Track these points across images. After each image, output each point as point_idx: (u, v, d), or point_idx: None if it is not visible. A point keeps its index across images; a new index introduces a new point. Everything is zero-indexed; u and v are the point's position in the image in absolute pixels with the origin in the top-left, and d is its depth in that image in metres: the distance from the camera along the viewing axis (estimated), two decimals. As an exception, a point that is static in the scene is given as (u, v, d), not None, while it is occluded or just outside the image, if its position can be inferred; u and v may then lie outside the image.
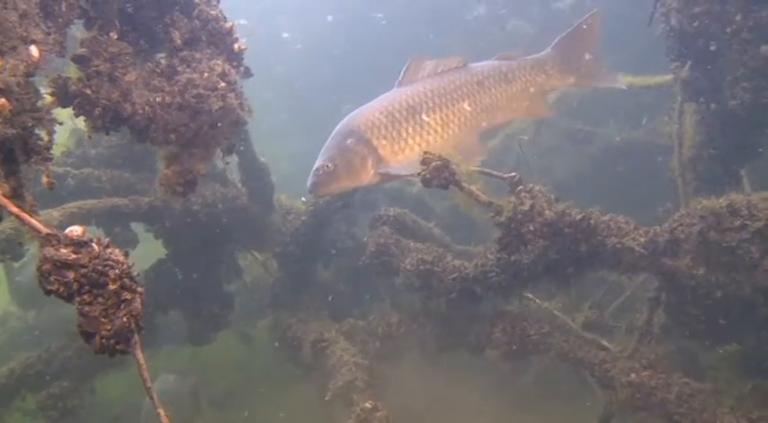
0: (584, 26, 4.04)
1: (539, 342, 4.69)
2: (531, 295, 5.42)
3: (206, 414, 6.33)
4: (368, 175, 3.86)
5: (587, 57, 4.00)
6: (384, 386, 5.08)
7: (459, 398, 5.78)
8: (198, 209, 5.58)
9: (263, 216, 6.30)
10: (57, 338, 5.39)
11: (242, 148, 5.85)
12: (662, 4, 4.50)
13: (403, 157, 3.80)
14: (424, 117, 3.75)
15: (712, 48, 4.31)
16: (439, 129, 3.82)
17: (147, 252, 6.18)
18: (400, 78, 3.98)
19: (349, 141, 3.85)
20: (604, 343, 4.91)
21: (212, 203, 5.70)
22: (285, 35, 12.76)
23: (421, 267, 4.93)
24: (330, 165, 3.90)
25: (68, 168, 5.47)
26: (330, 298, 6.39)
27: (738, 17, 4.10)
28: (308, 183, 3.95)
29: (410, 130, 3.76)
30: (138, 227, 6.03)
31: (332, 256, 6.70)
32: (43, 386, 5.08)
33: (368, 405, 4.22)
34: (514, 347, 4.75)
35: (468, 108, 3.81)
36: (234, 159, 6.14)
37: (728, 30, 4.17)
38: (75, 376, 5.17)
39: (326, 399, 4.63)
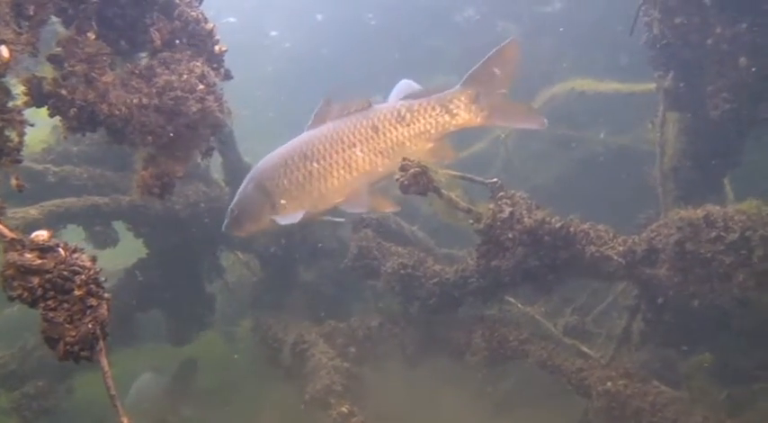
0: (499, 58, 3.75)
1: (517, 348, 4.70)
2: (513, 299, 5.45)
3: (181, 412, 6.29)
4: (265, 222, 3.93)
5: (501, 92, 3.74)
6: (363, 390, 5.07)
7: (439, 402, 5.76)
8: (180, 208, 5.54)
9: (246, 216, 6.26)
10: (32, 336, 5.32)
11: (224, 147, 5.81)
12: (645, 13, 4.52)
13: (296, 204, 3.81)
14: (315, 164, 3.73)
15: (693, 58, 4.33)
16: (328, 176, 3.78)
17: (128, 250, 6.15)
18: (310, 122, 3.96)
19: (250, 187, 3.95)
20: (584, 349, 4.94)
21: (194, 203, 5.67)
22: (273, 33, 12.71)
23: (402, 272, 4.93)
24: (235, 210, 4.08)
25: (48, 165, 5.41)
26: (312, 300, 6.36)
27: (718, 29, 4.13)
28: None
29: (300, 178, 3.76)
30: (119, 224, 5.99)
31: (315, 257, 6.67)
32: (18, 385, 5.02)
33: (344, 410, 4.22)
34: (493, 353, 4.75)
35: (359, 154, 3.73)
36: (217, 159, 6.12)
37: (709, 41, 4.20)
38: (51, 376, 5.12)
39: (302, 406, 4.61)
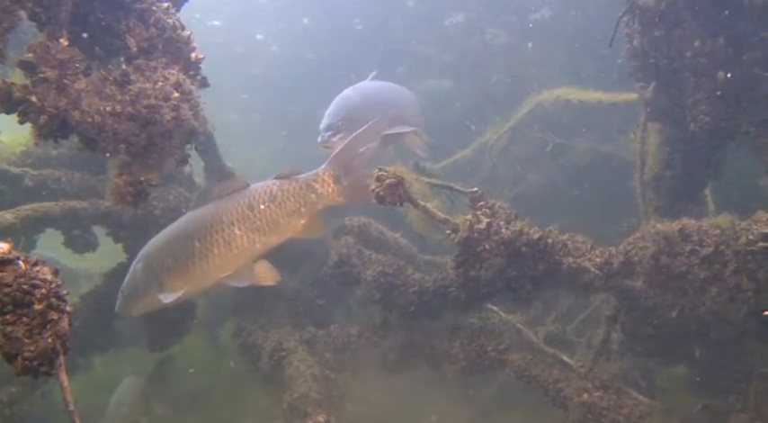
0: (358, 142, 4.06)
1: (496, 358, 4.70)
2: (495, 308, 5.45)
3: (161, 416, 6.26)
4: (154, 301, 4.07)
5: (361, 172, 4.04)
6: (342, 398, 5.05)
7: (419, 410, 5.76)
8: (160, 214, 5.50)
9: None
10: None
11: (205, 151, 5.77)
12: (625, 25, 4.54)
13: (181, 282, 3.96)
14: (196, 243, 3.91)
15: (672, 71, 4.34)
16: (209, 254, 3.95)
17: (108, 254, 6.10)
18: (192, 203, 4.19)
19: (138, 268, 4.12)
20: (565, 358, 4.94)
21: (175, 208, 5.63)
22: (260, 37, 12.67)
23: (382, 279, 4.92)
24: (125, 291, 4.27)
25: (26, 169, 5.37)
26: (293, 305, 6.33)
27: (697, 43, 4.15)
28: None
29: (184, 257, 3.92)
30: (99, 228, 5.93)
31: (298, 262, 6.64)
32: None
33: (320, 419, 4.19)
34: (471, 363, 4.75)
35: (238, 232, 3.92)
36: (200, 164, 6.09)
37: (687, 54, 4.22)
38: (25, 382, 5.05)
39: (283, 416, 4.60)
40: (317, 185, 4.00)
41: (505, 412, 6.03)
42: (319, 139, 4.52)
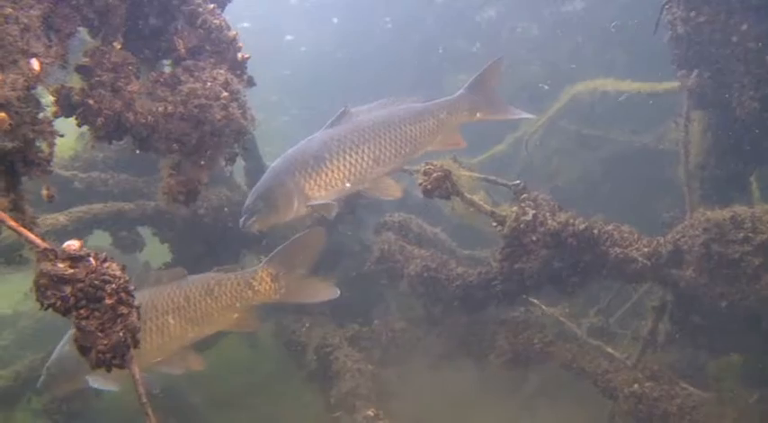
0: (299, 244, 4.13)
1: (542, 351, 4.68)
2: (536, 301, 5.42)
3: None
4: (81, 381, 4.03)
5: (300, 272, 4.11)
6: (388, 393, 5.07)
7: (465, 404, 5.75)
8: (204, 213, 5.59)
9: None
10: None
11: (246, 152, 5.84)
12: (668, 12, 4.47)
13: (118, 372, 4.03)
14: None
15: (718, 56, 4.26)
16: (141, 341, 4.00)
17: (154, 254, 6.22)
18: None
19: (66, 349, 4.09)
20: (610, 350, 4.90)
21: (218, 207, 5.72)
22: (289, 37, 12.76)
23: (425, 274, 4.93)
24: (52, 369, 4.17)
25: (75, 172, 5.51)
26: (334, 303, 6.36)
27: (744, 27, 4.07)
28: None
29: None
30: (145, 229, 6.06)
31: (338, 260, 6.68)
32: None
33: (370, 413, 4.22)
34: (518, 356, 4.74)
35: (172, 321, 3.98)
36: (240, 163, 6.16)
37: (734, 39, 4.13)
38: (80, 379, 5.18)
39: (331, 411, 4.64)
40: (254, 283, 4.09)
41: (552, 406, 5.98)
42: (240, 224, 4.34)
